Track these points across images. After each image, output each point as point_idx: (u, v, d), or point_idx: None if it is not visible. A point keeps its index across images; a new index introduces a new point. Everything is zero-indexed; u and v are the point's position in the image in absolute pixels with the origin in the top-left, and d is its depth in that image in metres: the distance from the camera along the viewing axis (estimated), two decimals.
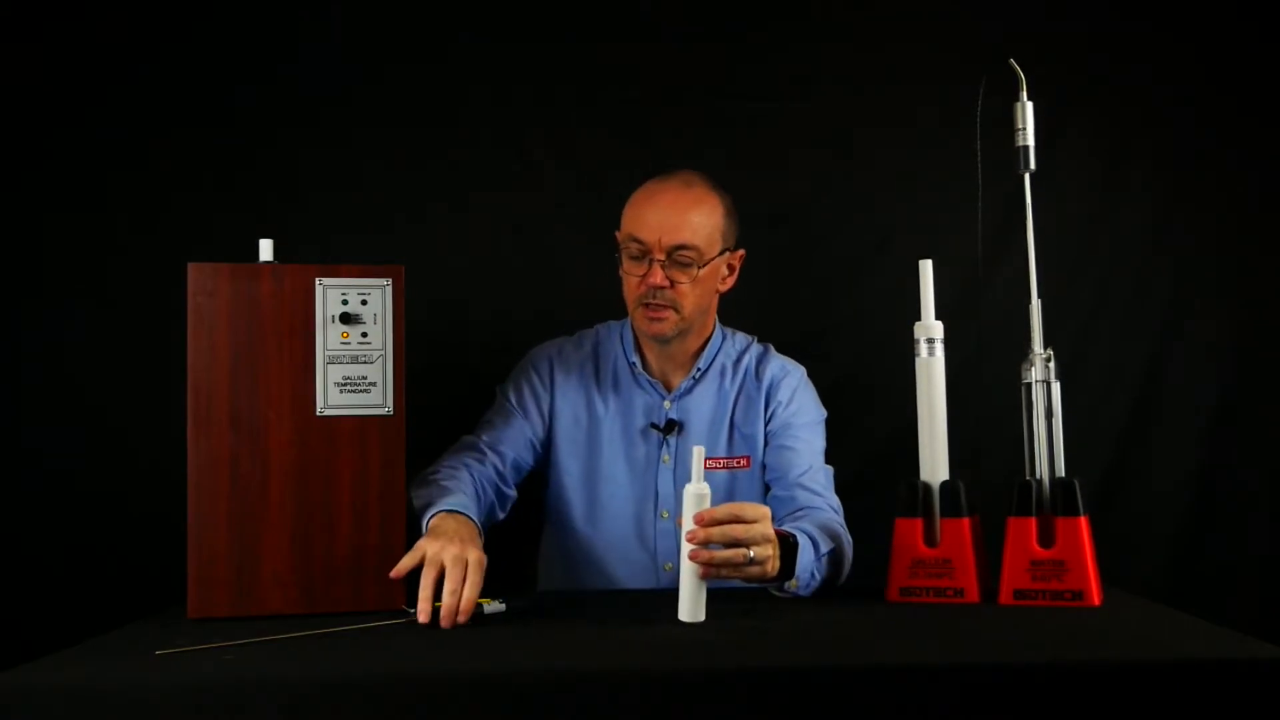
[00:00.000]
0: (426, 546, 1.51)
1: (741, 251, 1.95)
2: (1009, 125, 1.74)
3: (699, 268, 1.85)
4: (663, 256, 1.83)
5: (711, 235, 1.87)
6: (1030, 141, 1.73)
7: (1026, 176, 1.73)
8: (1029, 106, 1.73)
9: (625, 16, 2.30)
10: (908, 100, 2.32)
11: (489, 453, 1.89)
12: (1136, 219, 2.36)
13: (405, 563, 1.51)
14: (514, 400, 1.96)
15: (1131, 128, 2.35)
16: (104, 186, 2.18)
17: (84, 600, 2.08)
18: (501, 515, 1.89)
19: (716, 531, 1.48)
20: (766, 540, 1.52)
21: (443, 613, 1.46)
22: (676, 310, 1.86)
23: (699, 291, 1.88)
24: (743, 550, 1.49)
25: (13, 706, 1.16)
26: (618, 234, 1.91)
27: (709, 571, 1.48)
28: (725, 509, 1.51)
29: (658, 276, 1.84)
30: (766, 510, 1.54)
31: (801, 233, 2.32)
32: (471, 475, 1.82)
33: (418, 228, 2.25)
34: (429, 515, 1.62)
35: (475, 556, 1.51)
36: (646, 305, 1.86)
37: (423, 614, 1.46)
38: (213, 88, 2.21)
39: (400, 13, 2.26)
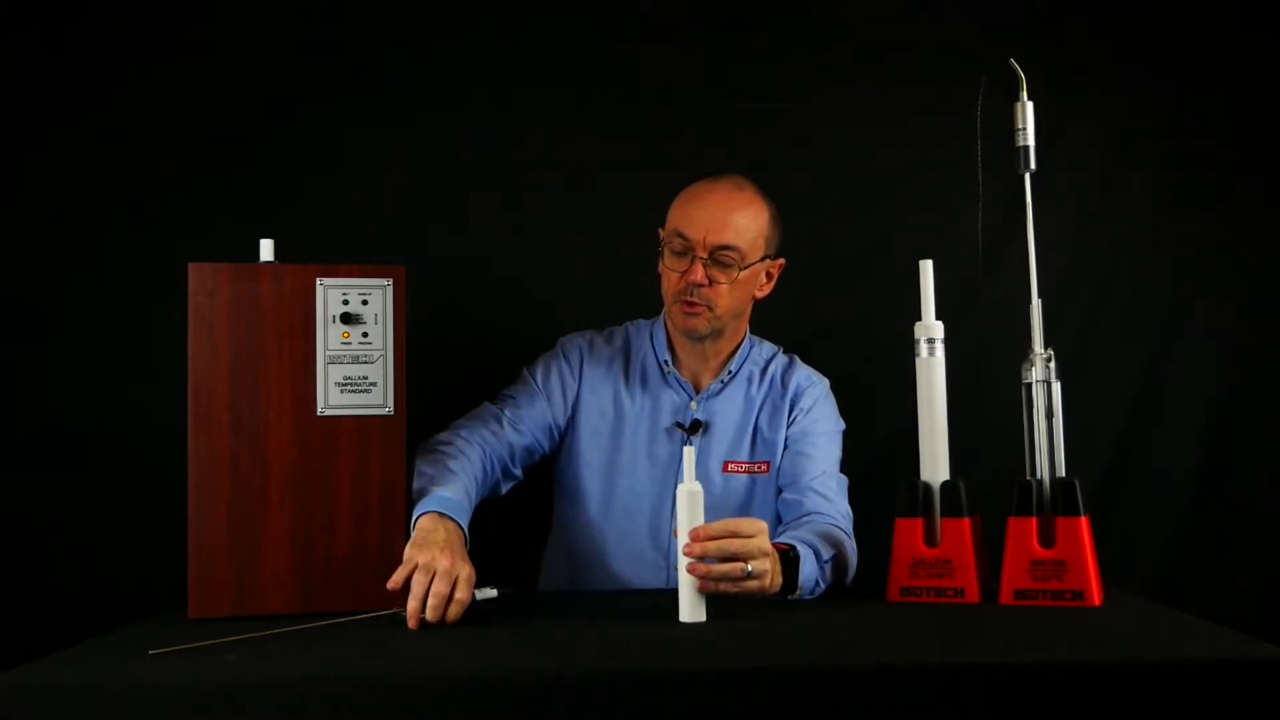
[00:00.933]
0: (417, 557, 1.50)
1: (781, 261, 1.95)
2: (1009, 125, 1.74)
3: (740, 270, 1.86)
4: (705, 255, 1.84)
5: (755, 240, 1.88)
6: (1030, 141, 1.73)
7: (1026, 176, 1.73)
8: (1029, 106, 1.73)
9: (625, 16, 2.30)
10: (908, 100, 2.32)
11: (507, 429, 1.89)
12: (1136, 219, 2.36)
13: (399, 575, 1.49)
14: (540, 382, 1.96)
15: (1131, 128, 2.35)
16: (104, 187, 2.18)
17: (84, 600, 2.08)
18: (503, 493, 1.89)
19: (713, 546, 1.48)
20: (764, 554, 1.52)
21: (429, 609, 1.46)
22: (711, 309, 1.87)
23: (736, 294, 1.89)
24: (739, 564, 1.49)
25: (13, 706, 1.16)
26: (661, 230, 1.92)
27: (706, 585, 1.48)
28: (721, 525, 1.50)
29: (698, 274, 1.84)
30: (763, 525, 1.54)
31: (801, 233, 2.32)
32: (484, 451, 1.82)
33: (418, 228, 2.24)
34: (420, 510, 1.61)
35: (465, 573, 1.50)
36: (684, 301, 1.87)
37: (413, 619, 1.46)
38: (213, 88, 2.21)
39: (400, 13, 2.26)
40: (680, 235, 1.86)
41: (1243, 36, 2.35)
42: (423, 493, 1.65)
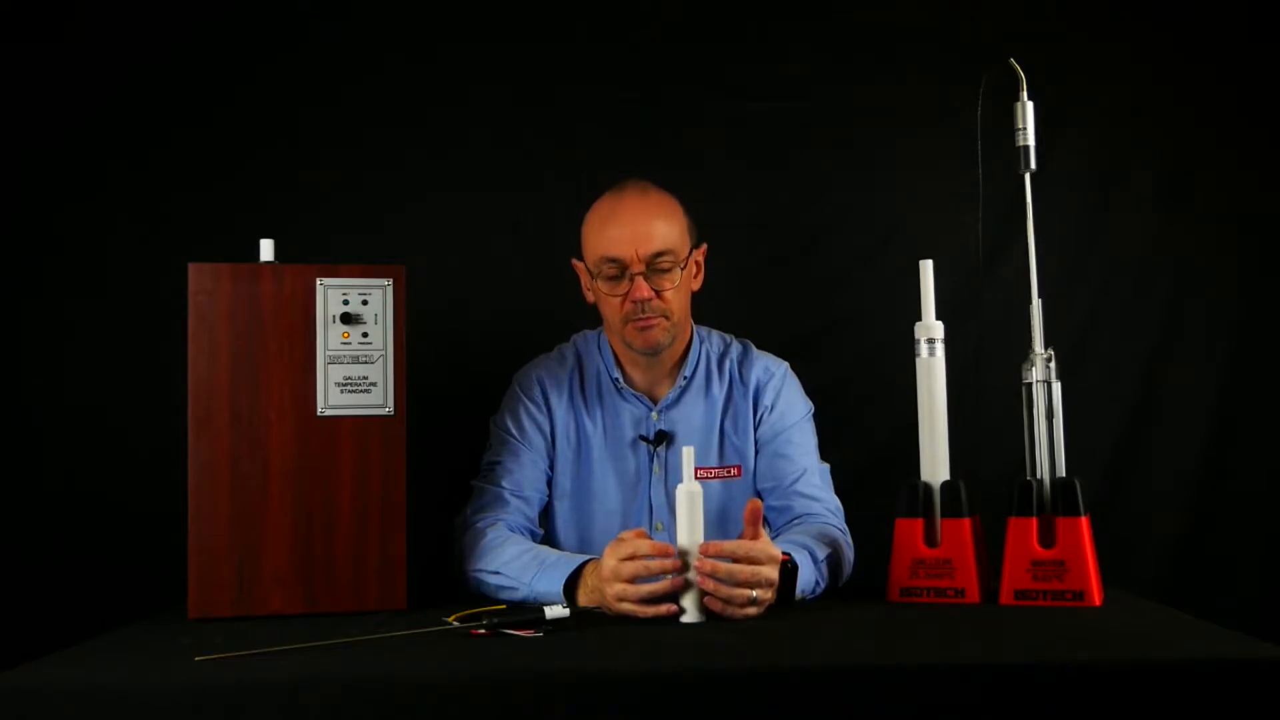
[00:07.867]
0: (599, 604, 1.54)
1: (704, 246, 1.91)
2: (1009, 125, 1.74)
3: (680, 270, 1.82)
4: (642, 268, 1.79)
5: (680, 236, 1.84)
6: (1030, 141, 1.73)
7: (1026, 176, 1.73)
8: (1029, 106, 1.73)
9: (624, 16, 2.30)
10: (908, 100, 2.32)
11: (513, 500, 1.84)
12: (1136, 219, 2.36)
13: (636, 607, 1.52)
14: (517, 434, 1.90)
15: (1131, 128, 2.35)
16: (104, 186, 2.18)
17: (84, 600, 2.07)
18: None
19: (723, 569, 1.48)
20: (770, 585, 1.52)
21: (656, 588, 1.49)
22: (667, 318, 1.83)
23: (682, 295, 1.85)
24: (746, 592, 1.49)
25: (13, 706, 1.16)
26: (581, 261, 1.88)
27: (712, 602, 1.49)
28: (741, 547, 1.50)
29: (643, 290, 1.79)
30: (778, 555, 1.54)
31: (801, 232, 2.32)
32: (511, 529, 1.80)
33: (418, 228, 2.24)
34: (554, 583, 1.63)
35: (611, 565, 1.53)
36: (635, 321, 1.82)
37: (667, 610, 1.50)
38: (213, 87, 2.21)
39: (400, 13, 2.26)
40: (610, 260, 1.80)
41: (1243, 36, 2.35)
42: (531, 570, 1.66)
